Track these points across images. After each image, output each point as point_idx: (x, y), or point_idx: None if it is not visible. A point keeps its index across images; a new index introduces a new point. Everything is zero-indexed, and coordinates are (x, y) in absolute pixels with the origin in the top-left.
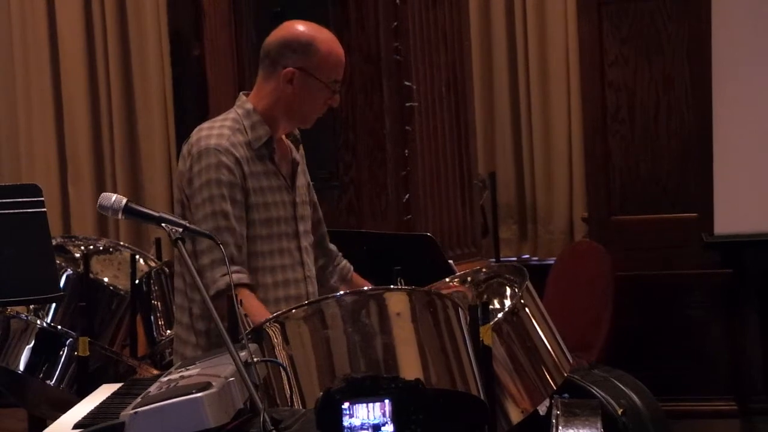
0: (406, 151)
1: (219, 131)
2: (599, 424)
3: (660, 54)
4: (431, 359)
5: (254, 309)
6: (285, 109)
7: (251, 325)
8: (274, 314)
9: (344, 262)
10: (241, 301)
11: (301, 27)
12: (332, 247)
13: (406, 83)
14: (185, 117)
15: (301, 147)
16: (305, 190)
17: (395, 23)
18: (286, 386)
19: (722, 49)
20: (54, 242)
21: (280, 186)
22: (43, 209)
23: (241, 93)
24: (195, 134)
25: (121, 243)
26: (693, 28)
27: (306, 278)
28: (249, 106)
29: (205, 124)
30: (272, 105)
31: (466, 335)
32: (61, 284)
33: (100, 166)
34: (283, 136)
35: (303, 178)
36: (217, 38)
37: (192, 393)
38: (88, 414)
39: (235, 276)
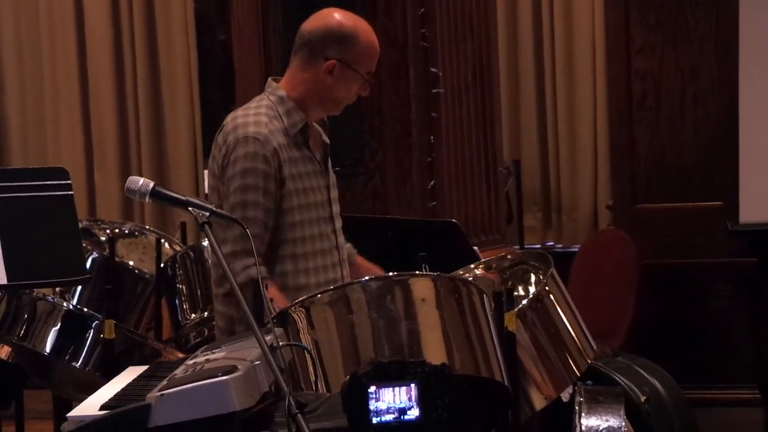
0: (432, 137)
1: (256, 118)
2: (622, 412)
3: (687, 42)
4: (455, 345)
5: (278, 300)
6: (319, 98)
7: (276, 310)
8: (300, 299)
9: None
10: (266, 285)
11: (341, 17)
12: None
13: (433, 70)
14: (211, 101)
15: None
16: (332, 173)
17: (422, 10)
18: (311, 370)
19: (749, 38)
20: (80, 225)
21: (315, 171)
22: (70, 192)
23: (270, 79)
24: (230, 122)
25: (147, 227)
26: (720, 16)
27: (341, 261)
28: (282, 92)
29: (240, 111)
30: (306, 93)
31: (490, 322)
32: (87, 267)
33: (126, 150)
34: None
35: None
36: (243, 23)
37: (218, 376)
38: (114, 396)
39: (252, 271)
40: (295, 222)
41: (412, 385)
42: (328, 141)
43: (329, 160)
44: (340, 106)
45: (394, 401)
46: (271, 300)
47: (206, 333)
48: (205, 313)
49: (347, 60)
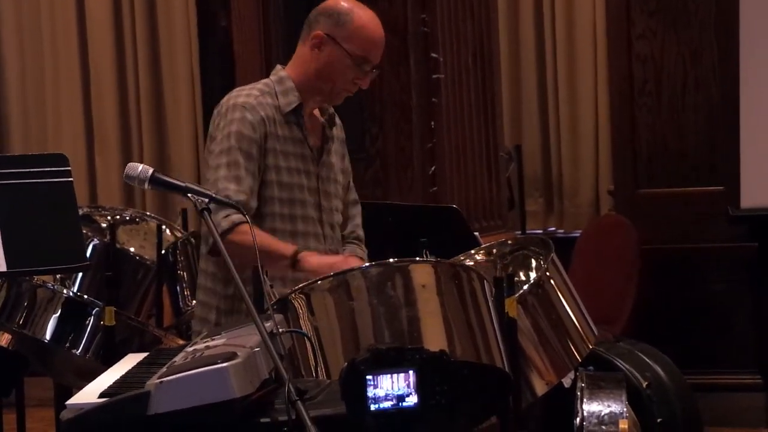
0: (433, 123)
1: (248, 92)
2: (624, 397)
3: (687, 27)
4: (456, 331)
5: (267, 238)
6: (312, 78)
7: (277, 296)
8: (300, 285)
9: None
10: (266, 272)
11: (345, 1)
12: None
13: (433, 55)
14: (212, 87)
15: (341, 130)
16: (335, 170)
17: None
18: (311, 357)
19: (750, 22)
20: (80, 212)
21: (304, 155)
22: (69, 179)
23: (278, 65)
24: (225, 97)
25: (148, 213)
26: (721, 1)
27: (328, 252)
28: (283, 74)
29: (237, 89)
30: (303, 73)
31: (491, 307)
32: (88, 254)
33: (127, 135)
34: (317, 113)
35: (336, 158)
36: (244, 9)
37: (217, 363)
38: (114, 383)
39: (235, 216)
40: (274, 197)
41: (411, 372)
42: (331, 136)
43: (330, 154)
44: (334, 94)
45: (392, 388)
46: (271, 286)
47: None
48: (198, 293)
49: (336, 36)
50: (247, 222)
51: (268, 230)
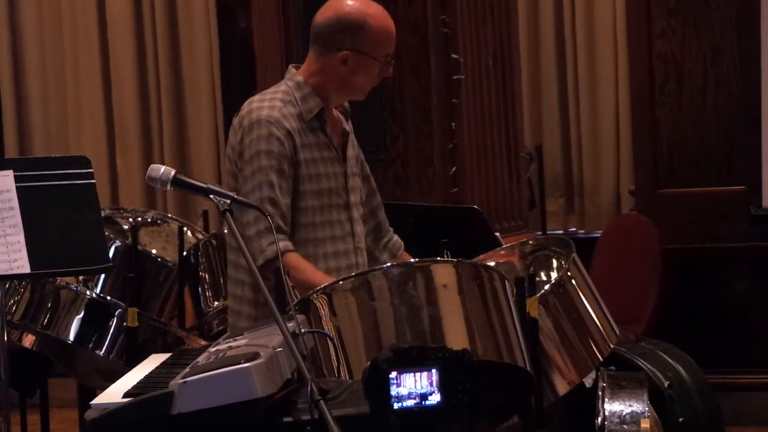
0: (453, 123)
1: (270, 103)
2: (645, 397)
3: (708, 25)
4: (477, 331)
5: (309, 271)
6: (338, 86)
7: (298, 296)
8: (321, 286)
9: (395, 238)
10: (287, 272)
11: (351, 4)
12: (385, 220)
13: (453, 56)
14: (232, 88)
15: (349, 120)
16: (355, 162)
17: None
18: (333, 357)
19: None
20: (102, 214)
21: (331, 157)
22: (92, 181)
23: (290, 66)
24: (246, 106)
25: (169, 215)
26: None
27: (356, 249)
28: (300, 78)
29: (256, 97)
30: (324, 81)
31: (512, 307)
32: (110, 256)
33: (148, 137)
34: (333, 108)
35: (353, 150)
36: (264, 9)
37: (240, 363)
38: (137, 383)
39: (281, 244)
40: (307, 207)
41: (434, 371)
42: (349, 129)
43: (349, 148)
44: (362, 92)
45: (415, 387)
46: (293, 286)
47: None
48: (228, 301)
49: (361, 49)
50: (294, 251)
51: (301, 241)
